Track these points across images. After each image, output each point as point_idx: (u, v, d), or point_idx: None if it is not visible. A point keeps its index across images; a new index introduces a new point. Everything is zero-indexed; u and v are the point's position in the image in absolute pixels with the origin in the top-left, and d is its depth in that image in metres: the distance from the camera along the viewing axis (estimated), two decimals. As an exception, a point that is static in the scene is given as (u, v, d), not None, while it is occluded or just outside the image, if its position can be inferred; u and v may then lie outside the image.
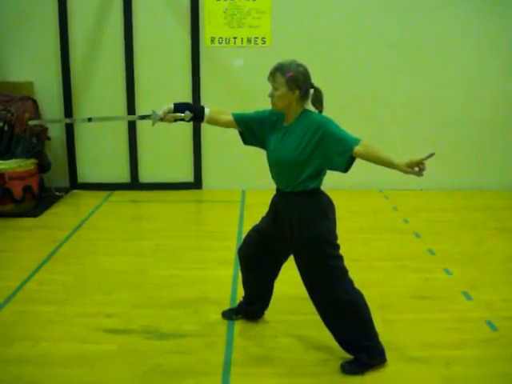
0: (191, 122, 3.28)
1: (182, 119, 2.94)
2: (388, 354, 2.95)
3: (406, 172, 2.65)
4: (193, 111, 2.98)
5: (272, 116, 2.92)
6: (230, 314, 3.39)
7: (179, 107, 2.97)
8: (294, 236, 2.84)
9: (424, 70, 6.26)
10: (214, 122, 3.06)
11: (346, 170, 2.72)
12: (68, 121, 3.25)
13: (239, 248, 3.25)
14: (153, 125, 3.01)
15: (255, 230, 3.15)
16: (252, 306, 3.32)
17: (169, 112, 2.95)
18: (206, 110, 3.02)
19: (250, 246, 3.15)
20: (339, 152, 2.69)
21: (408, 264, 4.30)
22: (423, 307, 3.61)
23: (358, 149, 2.66)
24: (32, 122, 3.29)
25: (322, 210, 2.84)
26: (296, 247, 2.89)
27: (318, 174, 2.82)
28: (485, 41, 6.20)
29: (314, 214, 2.81)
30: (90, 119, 3.24)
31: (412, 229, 5.11)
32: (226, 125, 3.05)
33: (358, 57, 6.19)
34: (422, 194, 6.33)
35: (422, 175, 2.66)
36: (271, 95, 2.82)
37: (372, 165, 2.71)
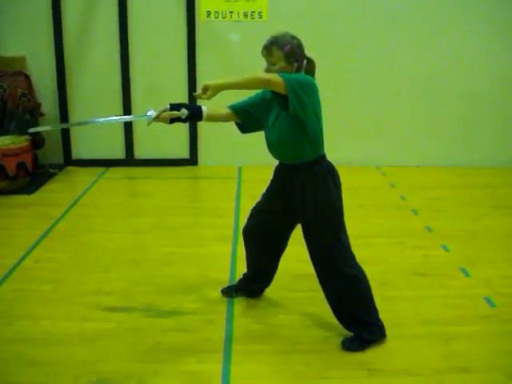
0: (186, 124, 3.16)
1: (179, 117, 2.80)
2: (388, 331, 2.96)
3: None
4: (190, 110, 2.82)
5: (266, 94, 2.85)
6: (229, 291, 3.38)
7: (175, 107, 2.81)
8: (307, 209, 2.80)
9: (422, 45, 6.19)
10: (213, 118, 2.94)
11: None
12: (66, 126, 3.06)
13: (243, 230, 3.20)
14: (148, 125, 2.85)
15: (258, 210, 3.11)
16: (255, 283, 3.31)
17: (164, 111, 2.79)
18: (204, 108, 2.88)
19: (254, 227, 3.12)
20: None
21: (406, 241, 4.31)
22: (422, 284, 3.62)
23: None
24: (32, 130, 3.17)
25: (332, 179, 2.82)
26: (308, 220, 2.84)
27: (317, 137, 2.76)
28: (484, 16, 6.13)
29: (326, 185, 2.79)
30: (86, 122, 3.15)
31: (409, 206, 5.11)
32: (225, 119, 2.98)
33: (355, 31, 6.11)
34: (419, 171, 6.32)
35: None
36: (267, 70, 2.73)
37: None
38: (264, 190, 3.09)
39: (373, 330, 2.90)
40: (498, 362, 2.80)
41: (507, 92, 6.33)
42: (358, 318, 2.90)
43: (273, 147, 2.87)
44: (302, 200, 2.81)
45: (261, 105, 2.90)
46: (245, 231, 3.19)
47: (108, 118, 3.17)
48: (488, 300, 3.40)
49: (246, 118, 2.96)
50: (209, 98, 2.58)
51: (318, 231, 2.84)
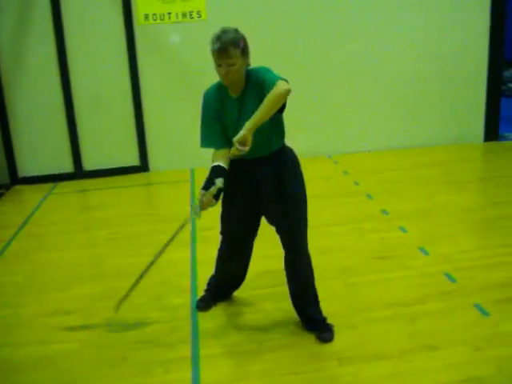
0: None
1: (218, 189, 2.66)
2: (354, 317, 3.02)
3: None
4: (219, 175, 2.69)
5: (210, 104, 2.75)
6: (207, 304, 3.25)
7: (208, 185, 2.68)
8: (284, 194, 2.79)
9: (364, 31, 6.26)
10: (228, 163, 2.77)
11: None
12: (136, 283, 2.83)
13: (221, 255, 3.14)
14: (199, 218, 2.77)
15: (229, 229, 3.03)
16: (232, 287, 3.28)
17: (203, 196, 2.67)
18: (219, 163, 2.72)
19: (233, 246, 3.07)
20: (263, 92, 2.58)
21: (363, 226, 4.34)
22: (383, 267, 3.66)
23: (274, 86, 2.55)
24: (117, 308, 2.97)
25: (298, 163, 2.88)
26: (286, 205, 2.81)
27: (284, 125, 2.82)
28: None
29: (296, 168, 2.86)
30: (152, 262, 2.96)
31: (363, 191, 5.16)
32: (228, 153, 2.75)
33: (298, 21, 6.10)
34: (370, 156, 6.39)
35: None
36: (227, 72, 2.60)
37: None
38: (224, 205, 2.96)
39: (320, 309, 2.99)
40: (464, 335, 2.86)
41: (450, 71, 6.47)
42: (316, 299, 2.98)
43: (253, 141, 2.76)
44: (278, 186, 2.79)
45: (218, 116, 2.76)
46: (223, 255, 3.13)
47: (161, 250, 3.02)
48: (448, 276, 3.46)
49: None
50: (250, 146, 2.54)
51: (295, 211, 2.83)
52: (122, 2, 5.88)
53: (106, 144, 6.21)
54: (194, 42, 5.99)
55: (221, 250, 3.16)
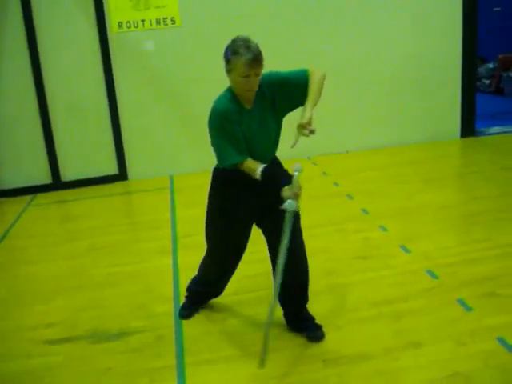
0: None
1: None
2: (338, 318, 3.03)
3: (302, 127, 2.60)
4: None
5: (230, 117, 2.58)
6: (190, 312, 3.21)
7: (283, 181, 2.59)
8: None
9: (342, 31, 6.31)
10: None
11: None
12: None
13: (213, 263, 3.05)
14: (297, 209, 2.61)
15: (233, 244, 2.93)
16: (217, 295, 3.24)
17: (295, 188, 2.53)
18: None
19: (233, 256, 3.00)
20: (299, 87, 2.67)
21: (345, 227, 4.36)
22: (366, 267, 3.67)
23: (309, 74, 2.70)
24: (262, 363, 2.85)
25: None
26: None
27: None
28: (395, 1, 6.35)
29: (287, 170, 2.77)
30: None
31: (343, 191, 5.18)
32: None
33: (274, 26, 6.12)
34: (349, 156, 6.43)
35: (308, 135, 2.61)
36: (255, 83, 2.53)
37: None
38: (222, 218, 2.85)
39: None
40: (447, 331, 2.88)
41: (425, 69, 6.54)
42: (307, 299, 2.99)
43: (267, 150, 2.76)
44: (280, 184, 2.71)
45: (239, 129, 2.61)
46: (216, 267, 3.07)
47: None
48: (430, 273, 3.49)
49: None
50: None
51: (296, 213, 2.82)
52: (95, 11, 5.84)
53: (84, 154, 6.16)
54: (169, 48, 5.98)
55: (214, 262, 3.04)
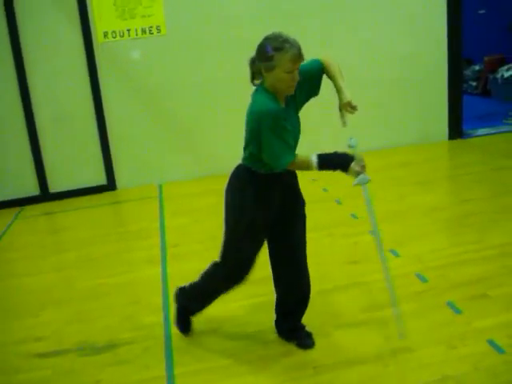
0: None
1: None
2: (330, 323, 3.03)
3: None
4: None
5: (281, 115, 2.52)
6: (189, 328, 3.09)
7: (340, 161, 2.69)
8: (300, 196, 2.88)
9: (330, 34, 6.29)
10: None
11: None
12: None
13: (229, 276, 2.86)
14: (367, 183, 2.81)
15: (254, 252, 2.78)
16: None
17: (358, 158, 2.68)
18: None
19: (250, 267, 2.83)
20: (315, 78, 2.72)
21: (334, 232, 4.35)
22: (356, 271, 3.66)
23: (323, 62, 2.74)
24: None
25: None
26: (302, 208, 2.86)
27: None
28: (387, 4, 6.38)
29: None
30: None
31: (332, 196, 5.17)
32: None
33: (259, 32, 5.98)
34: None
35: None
36: (297, 78, 2.51)
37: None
38: (247, 229, 2.71)
39: None
40: (438, 334, 2.87)
41: (411, 72, 6.54)
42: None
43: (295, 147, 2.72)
44: (297, 191, 2.84)
45: (290, 127, 2.60)
46: (229, 281, 2.89)
47: None
48: (420, 276, 3.48)
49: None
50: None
51: (304, 218, 2.87)
52: (80, 21, 5.81)
53: (72, 164, 6.11)
54: (155, 56, 5.97)
55: (229, 275, 2.85)
